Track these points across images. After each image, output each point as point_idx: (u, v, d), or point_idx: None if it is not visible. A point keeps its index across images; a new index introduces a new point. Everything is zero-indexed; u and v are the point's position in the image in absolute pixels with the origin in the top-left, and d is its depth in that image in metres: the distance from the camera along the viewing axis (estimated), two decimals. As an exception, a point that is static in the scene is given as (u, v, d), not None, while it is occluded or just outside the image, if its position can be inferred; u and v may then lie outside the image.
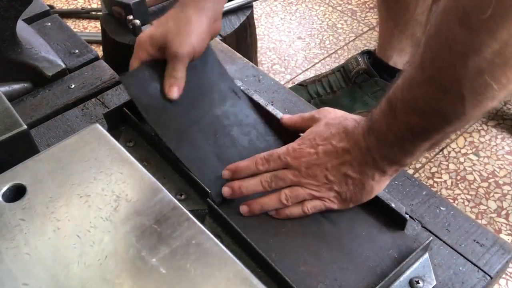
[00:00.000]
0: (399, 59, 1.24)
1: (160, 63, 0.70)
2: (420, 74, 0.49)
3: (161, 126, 0.67)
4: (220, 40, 0.96)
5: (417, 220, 0.63)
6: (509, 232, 1.22)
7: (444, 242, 0.61)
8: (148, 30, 0.71)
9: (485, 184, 1.32)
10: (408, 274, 0.56)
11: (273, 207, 0.61)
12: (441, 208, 0.64)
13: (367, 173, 0.58)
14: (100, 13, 1.72)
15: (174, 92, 0.69)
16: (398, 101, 0.52)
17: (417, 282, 0.55)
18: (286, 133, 0.70)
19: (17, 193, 0.46)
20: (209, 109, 0.71)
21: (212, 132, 0.69)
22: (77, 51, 0.91)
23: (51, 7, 1.83)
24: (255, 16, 1.30)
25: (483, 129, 1.47)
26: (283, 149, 0.62)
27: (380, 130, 0.55)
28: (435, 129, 0.52)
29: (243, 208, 0.62)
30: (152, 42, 0.69)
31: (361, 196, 0.60)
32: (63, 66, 0.87)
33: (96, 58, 0.91)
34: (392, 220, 0.61)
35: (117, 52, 1.02)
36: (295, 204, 0.61)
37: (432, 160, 1.39)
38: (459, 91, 0.46)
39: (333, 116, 0.63)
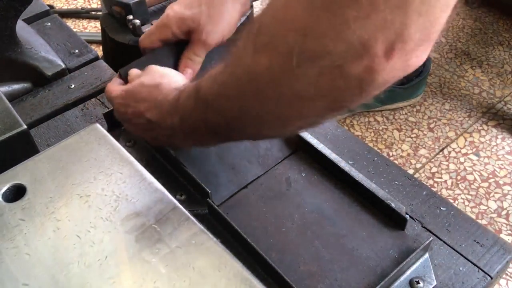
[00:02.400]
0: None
1: (160, 54, 0.69)
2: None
3: None
4: (220, 40, 0.96)
5: (417, 220, 0.63)
6: (509, 232, 1.22)
7: (444, 242, 0.60)
8: (177, 9, 0.67)
9: (486, 184, 1.32)
10: (408, 274, 0.56)
11: None
12: (441, 208, 0.64)
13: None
14: (100, 13, 1.72)
15: (188, 73, 0.68)
16: (204, 93, 0.51)
17: (417, 282, 0.55)
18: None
19: (17, 193, 0.46)
20: None
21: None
22: (77, 51, 0.91)
23: (51, 7, 1.84)
24: (255, 16, 1.30)
25: (483, 129, 1.47)
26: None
27: (184, 114, 0.54)
28: (216, 133, 0.52)
29: None
30: (181, 24, 0.67)
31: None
32: (63, 66, 0.87)
33: (96, 58, 0.91)
34: (392, 220, 0.61)
35: (117, 52, 1.02)
36: None
37: (432, 160, 1.39)
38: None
39: (150, 77, 0.61)
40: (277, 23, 0.40)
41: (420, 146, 1.43)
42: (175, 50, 0.70)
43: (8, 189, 0.46)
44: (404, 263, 0.54)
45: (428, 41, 0.37)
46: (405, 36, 0.35)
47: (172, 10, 0.67)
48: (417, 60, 0.38)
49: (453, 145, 1.43)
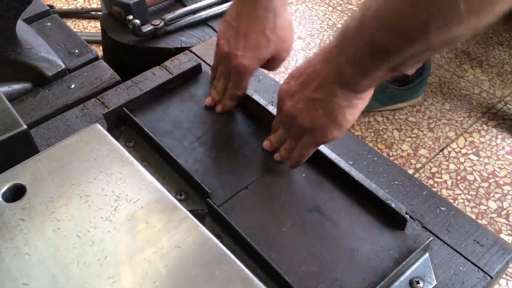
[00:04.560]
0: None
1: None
2: None
3: (167, 145, 0.69)
4: (220, 40, 0.96)
5: (417, 220, 0.63)
6: (509, 232, 1.22)
7: (444, 242, 0.60)
8: (250, 56, 0.69)
9: (486, 184, 1.32)
10: (408, 274, 0.56)
11: (285, 152, 0.66)
12: (441, 208, 0.64)
13: (333, 91, 0.56)
14: (100, 13, 1.72)
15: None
16: (368, 12, 0.49)
17: (417, 282, 0.55)
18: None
19: (17, 193, 0.46)
20: (212, 125, 0.74)
21: (214, 145, 0.71)
22: (77, 51, 0.91)
23: (51, 7, 1.83)
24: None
25: (483, 129, 1.47)
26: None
27: (347, 40, 0.53)
28: (395, 49, 0.49)
29: (276, 156, 0.68)
30: (261, 64, 0.71)
31: (335, 118, 0.58)
32: (63, 66, 0.87)
33: (96, 58, 0.91)
34: (392, 220, 0.61)
35: (117, 52, 1.02)
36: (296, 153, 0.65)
37: (432, 160, 1.39)
38: (428, 8, 0.44)
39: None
40: None
41: (420, 146, 1.43)
42: None
43: (8, 189, 0.46)
44: (404, 263, 0.54)
45: None
46: None
47: (245, 58, 0.69)
48: None
49: (453, 145, 1.43)
